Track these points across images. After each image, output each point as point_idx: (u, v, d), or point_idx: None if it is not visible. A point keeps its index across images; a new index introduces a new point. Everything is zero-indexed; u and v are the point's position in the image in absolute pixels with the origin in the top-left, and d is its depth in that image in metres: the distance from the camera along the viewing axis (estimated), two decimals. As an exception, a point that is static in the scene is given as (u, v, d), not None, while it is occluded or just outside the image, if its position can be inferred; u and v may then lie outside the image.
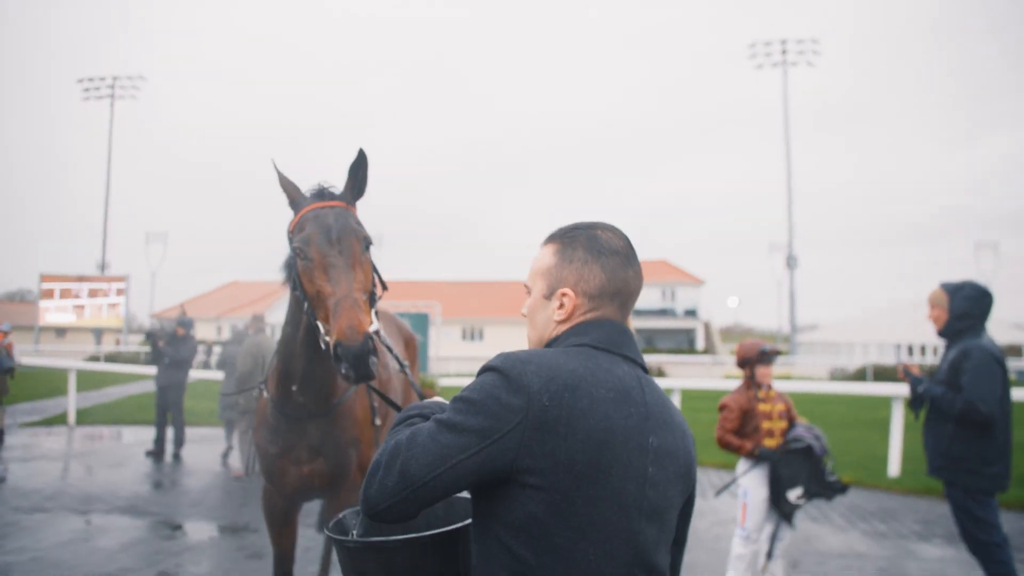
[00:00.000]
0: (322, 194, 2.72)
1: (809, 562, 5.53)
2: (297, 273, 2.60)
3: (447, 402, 1.65)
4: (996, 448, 3.86)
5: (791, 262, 41.96)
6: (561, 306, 1.55)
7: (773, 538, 4.65)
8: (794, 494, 4.50)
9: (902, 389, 8.98)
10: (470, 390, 1.42)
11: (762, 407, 4.63)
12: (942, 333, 4.12)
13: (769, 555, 4.65)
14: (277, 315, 37.93)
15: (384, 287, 2.84)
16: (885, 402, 13.16)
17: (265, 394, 3.24)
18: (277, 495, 3.27)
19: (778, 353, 4.81)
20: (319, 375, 3.03)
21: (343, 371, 2.33)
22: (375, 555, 1.64)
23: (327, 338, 2.43)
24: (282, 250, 2.83)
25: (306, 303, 2.59)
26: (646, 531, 1.42)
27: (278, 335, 3.18)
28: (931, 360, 43.27)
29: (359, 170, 2.75)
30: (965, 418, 3.83)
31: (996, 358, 3.87)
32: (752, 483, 4.53)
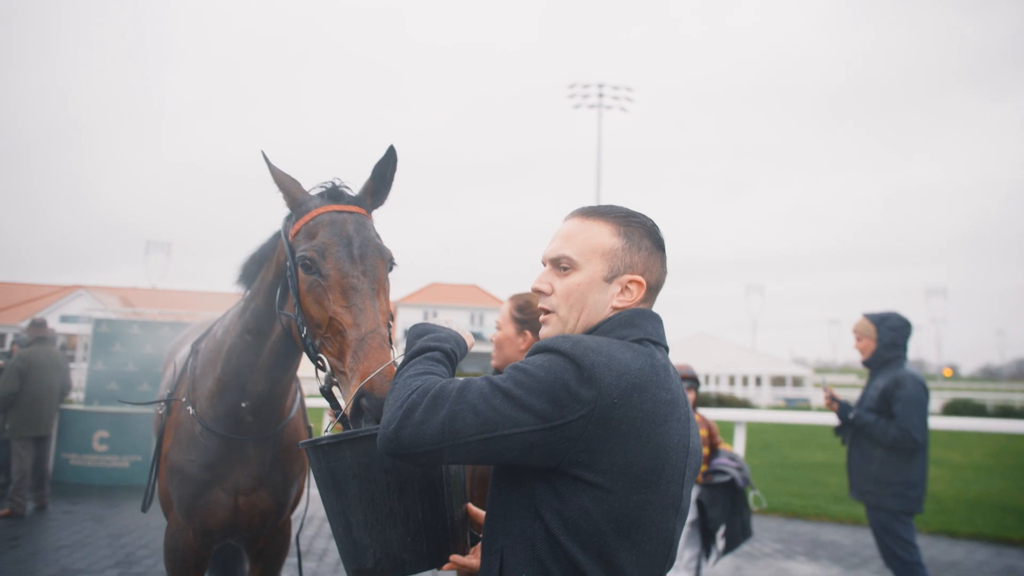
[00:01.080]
0: (337, 194, 2.23)
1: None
2: (297, 287, 2.10)
3: (465, 335, 1.68)
4: (919, 472, 4.13)
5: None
6: (624, 291, 1.50)
7: (698, 567, 4.65)
8: (719, 534, 4.56)
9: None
10: (535, 366, 1.36)
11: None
12: (868, 363, 4.37)
13: (697, 583, 4.65)
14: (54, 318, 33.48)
15: (392, 318, 2.32)
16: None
17: (191, 410, 2.73)
18: (193, 535, 2.73)
19: (696, 381, 4.85)
20: (278, 395, 2.65)
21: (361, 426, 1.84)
22: (352, 450, 1.59)
23: (334, 379, 1.94)
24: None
25: (304, 328, 2.08)
26: (677, 529, 1.44)
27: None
28: (714, 387, 47.29)
29: (386, 171, 2.26)
30: (897, 445, 4.06)
31: (924, 387, 4.16)
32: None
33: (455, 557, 1.66)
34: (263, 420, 2.66)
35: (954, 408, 27.92)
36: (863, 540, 7.09)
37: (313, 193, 2.25)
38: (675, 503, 1.41)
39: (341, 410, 1.88)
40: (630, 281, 1.49)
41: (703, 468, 4.60)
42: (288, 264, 2.16)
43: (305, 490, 2.92)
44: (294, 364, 2.55)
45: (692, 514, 4.52)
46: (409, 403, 1.36)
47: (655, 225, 1.57)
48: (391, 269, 2.18)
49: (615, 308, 1.49)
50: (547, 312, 1.56)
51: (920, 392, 4.13)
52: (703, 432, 4.75)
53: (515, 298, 2.70)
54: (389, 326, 2.05)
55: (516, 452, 1.33)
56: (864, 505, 4.30)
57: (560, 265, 1.54)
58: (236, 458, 2.68)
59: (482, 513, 1.75)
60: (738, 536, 4.58)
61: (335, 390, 1.94)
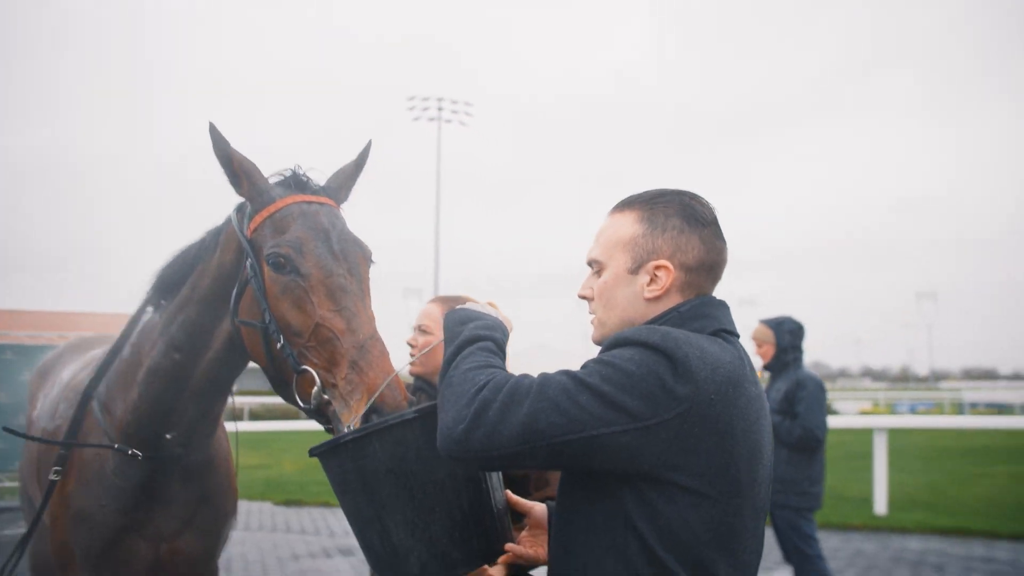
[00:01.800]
0: (301, 183, 1.96)
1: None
2: (260, 291, 1.80)
3: (507, 321, 1.54)
4: (820, 469, 4.36)
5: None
6: (653, 280, 1.38)
7: None
8: None
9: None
10: (623, 359, 1.24)
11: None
12: (769, 367, 4.55)
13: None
14: None
15: None
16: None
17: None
18: None
19: None
20: (211, 421, 2.32)
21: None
22: (382, 442, 1.41)
23: (325, 394, 1.67)
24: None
25: (279, 337, 1.75)
26: (761, 530, 1.37)
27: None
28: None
29: (362, 164, 2.11)
30: (802, 444, 4.24)
31: (822, 387, 4.40)
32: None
33: (511, 547, 1.54)
34: (193, 455, 2.29)
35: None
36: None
37: (279, 182, 1.97)
38: (763, 506, 1.34)
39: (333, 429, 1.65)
40: (656, 267, 1.37)
41: None
42: (249, 263, 1.84)
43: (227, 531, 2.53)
44: (231, 384, 2.26)
45: None
46: (481, 400, 1.23)
47: (691, 200, 1.43)
48: (370, 267, 1.94)
49: (648, 299, 1.38)
50: (592, 316, 1.49)
51: (819, 392, 4.37)
52: None
53: (445, 300, 2.53)
54: None
55: (604, 455, 1.22)
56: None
57: (593, 268, 1.47)
58: (158, 498, 2.27)
59: (520, 500, 1.66)
60: None
61: (329, 408, 1.69)
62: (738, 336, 1.40)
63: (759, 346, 4.56)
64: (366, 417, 1.56)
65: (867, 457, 9.64)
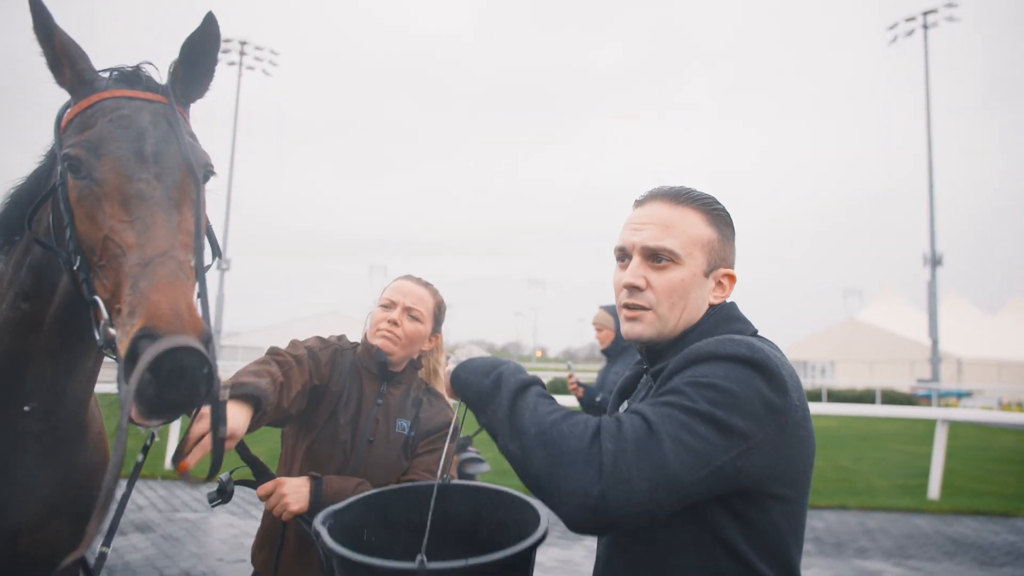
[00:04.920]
0: (132, 77, 1.62)
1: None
2: (64, 200, 1.50)
3: (519, 365, 1.33)
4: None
5: (223, 265, 38.61)
6: (718, 286, 1.40)
7: None
8: None
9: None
10: (720, 378, 1.17)
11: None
12: (607, 351, 4.76)
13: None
14: None
15: (217, 253, 1.73)
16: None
17: None
18: None
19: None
20: (80, 387, 1.87)
21: (144, 393, 1.22)
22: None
23: (112, 329, 1.35)
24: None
25: (77, 258, 1.47)
26: None
27: None
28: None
29: (203, 48, 1.63)
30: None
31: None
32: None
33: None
34: (60, 427, 1.85)
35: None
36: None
37: (104, 74, 1.63)
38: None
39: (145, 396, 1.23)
40: (724, 275, 1.40)
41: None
42: (60, 169, 1.53)
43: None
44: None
45: None
46: (606, 452, 1.07)
47: (726, 210, 1.46)
48: (207, 179, 1.62)
49: (711, 304, 1.39)
50: (639, 309, 1.37)
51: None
52: None
53: (435, 290, 2.35)
54: (200, 252, 1.50)
55: (719, 483, 1.14)
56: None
57: (658, 257, 1.36)
58: (17, 482, 1.84)
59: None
60: None
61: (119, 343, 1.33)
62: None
63: (599, 330, 4.77)
64: (135, 343, 1.22)
65: None
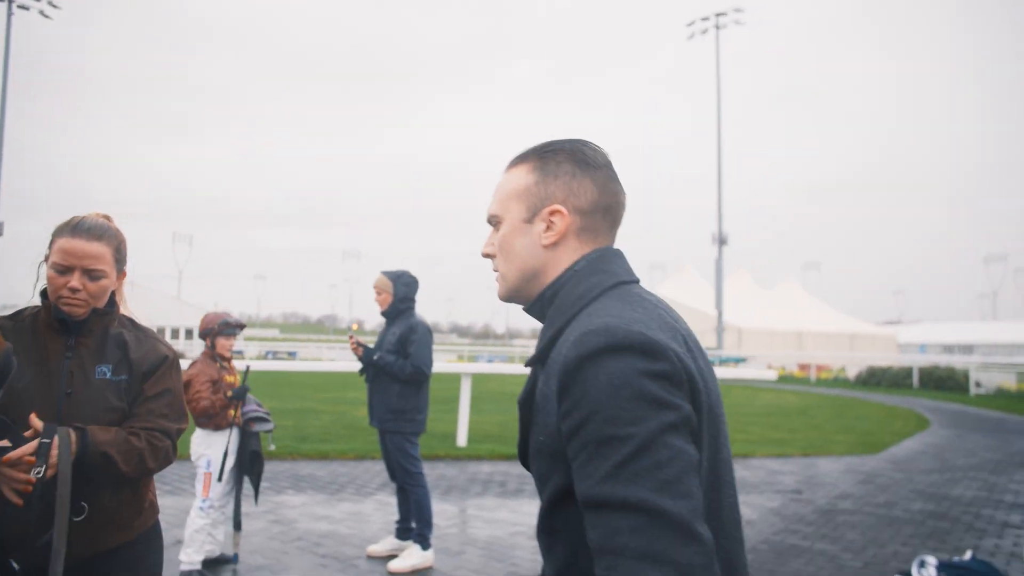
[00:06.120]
0: None
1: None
2: None
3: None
4: (425, 400, 5.11)
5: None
6: (550, 227, 1.34)
7: (238, 508, 4.94)
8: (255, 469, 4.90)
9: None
10: (607, 402, 1.07)
11: (227, 378, 4.87)
12: (386, 313, 5.18)
13: (238, 526, 4.94)
14: None
15: None
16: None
17: None
18: None
19: (243, 326, 5.11)
20: None
21: None
22: None
23: None
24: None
25: None
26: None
27: None
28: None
29: None
30: (412, 378, 4.94)
31: (430, 332, 5.12)
32: (216, 453, 4.74)
33: None
34: None
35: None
36: (336, 471, 8.32)
37: None
38: None
39: None
40: (551, 213, 1.34)
41: (237, 413, 4.83)
42: None
43: None
44: None
45: (231, 458, 4.77)
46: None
47: (582, 145, 1.39)
48: None
49: (545, 247, 1.34)
50: (496, 273, 1.42)
51: (428, 336, 5.10)
52: (232, 379, 4.95)
53: (111, 233, 2.17)
54: None
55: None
56: (379, 431, 5.15)
57: (492, 224, 1.42)
58: None
59: None
60: (256, 477, 4.96)
61: None
62: (637, 281, 1.34)
63: (378, 293, 5.17)
64: None
65: (454, 400, 11.75)
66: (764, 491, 7.79)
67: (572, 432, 1.10)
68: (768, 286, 56.59)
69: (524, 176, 1.38)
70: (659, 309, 1.23)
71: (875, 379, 28.94)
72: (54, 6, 35.71)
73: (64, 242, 2.07)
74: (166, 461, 2.12)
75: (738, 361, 33.54)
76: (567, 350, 1.14)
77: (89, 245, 2.08)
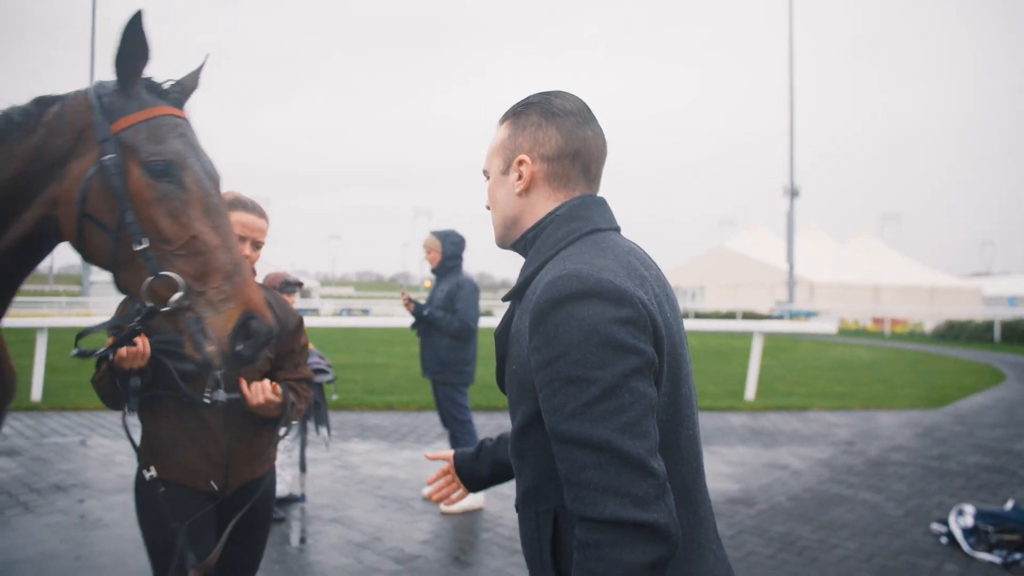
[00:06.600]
0: (166, 94, 1.90)
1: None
2: (120, 188, 1.77)
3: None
4: (473, 353, 5.38)
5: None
6: (520, 176, 1.43)
7: (303, 452, 5.35)
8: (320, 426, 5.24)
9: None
10: (579, 346, 1.17)
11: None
12: (436, 271, 5.45)
13: (303, 468, 5.36)
14: None
15: None
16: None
17: None
18: None
19: (300, 284, 5.42)
20: None
21: (244, 353, 1.73)
22: None
23: (186, 301, 1.74)
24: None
25: (144, 240, 1.77)
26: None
27: None
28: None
29: (197, 84, 1.96)
30: (460, 333, 5.21)
31: (477, 288, 5.37)
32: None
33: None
34: None
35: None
36: (399, 421, 8.70)
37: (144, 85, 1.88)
38: None
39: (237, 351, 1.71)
40: (519, 163, 1.43)
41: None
42: (111, 160, 1.78)
43: None
44: (20, 284, 2.05)
45: None
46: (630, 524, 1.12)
47: (551, 96, 1.46)
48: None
49: (518, 195, 1.43)
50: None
51: (474, 292, 5.35)
52: None
53: (260, 209, 2.53)
54: None
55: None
56: (431, 382, 5.45)
57: (486, 179, 1.54)
58: None
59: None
60: (323, 427, 5.33)
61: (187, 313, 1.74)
62: (618, 229, 1.42)
63: (427, 252, 5.44)
64: (243, 324, 1.71)
65: None
66: (817, 443, 7.84)
67: (541, 366, 1.20)
68: (842, 239, 54.86)
69: (502, 132, 1.48)
70: (631, 256, 1.30)
71: (953, 333, 27.94)
72: None
73: (238, 216, 2.39)
74: (308, 405, 2.53)
75: (808, 315, 32.82)
76: (540, 291, 1.23)
77: (258, 220, 2.46)
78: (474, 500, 5.26)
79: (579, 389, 1.15)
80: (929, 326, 33.12)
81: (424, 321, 5.36)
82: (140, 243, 1.77)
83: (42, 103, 1.89)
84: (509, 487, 5.83)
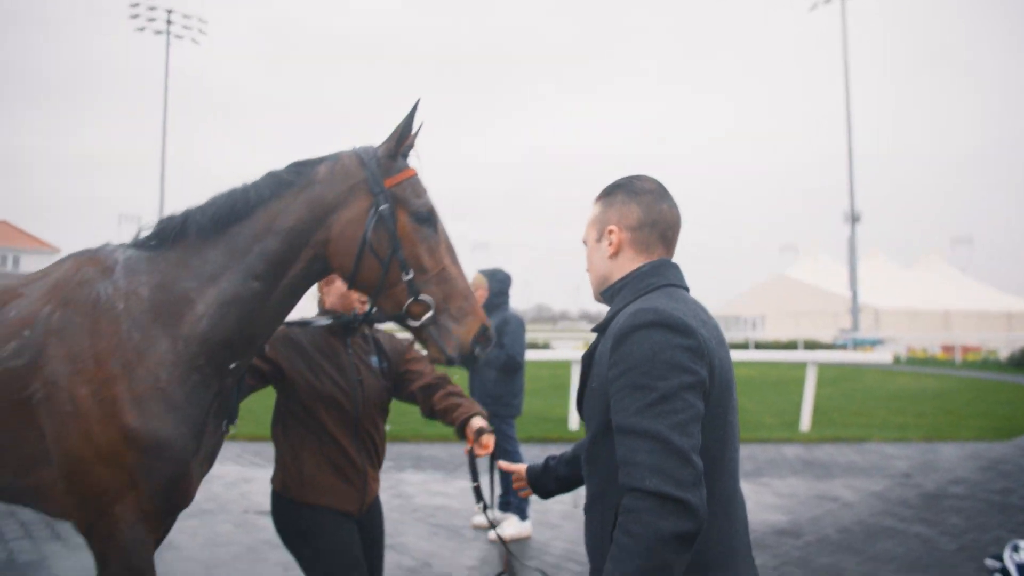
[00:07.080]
0: (407, 155, 2.42)
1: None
2: (396, 232, 2.22)
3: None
4: (520, 386, 5.59)
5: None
6: (610, 243, 1.74)
7: None
8: None
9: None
10: (648, 357, 1.49)
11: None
12: (484, 307, 5.66)
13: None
14: None
15: None
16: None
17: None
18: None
19: None
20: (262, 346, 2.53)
21: (477, 352, 2.25)
22: None
23: (438, 317, 2.23)
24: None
25: (411, 271, 2.21)
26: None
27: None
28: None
29: (408, 136, 2.35)
30: (507, 367, 5.43)
31: (522, 324, 5.59)
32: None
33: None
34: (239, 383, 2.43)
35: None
36: (454, 452, 8.84)
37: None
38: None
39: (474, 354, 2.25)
40: (608, 232, 1.74)
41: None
42: (385, 208, 2.22)
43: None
44: (292, 309, 2.44)
45: None
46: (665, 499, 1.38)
47: (634, 178, 1.79)
48: None
49: (608, 257, 1.75)
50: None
51: (520, 328, 5.59)
52: None
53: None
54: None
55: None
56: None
57: (586, 245, 1.88)
58: (210, 425, 2.31)
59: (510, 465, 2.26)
60: None
61: (432, 325, 2.23)
62: (687, 289, 1.72)
63: (476, 290, 5.66)
64: (484, 332, 2.25)
65: (566, 387, 12.29)
66: (872, 475, 7.73)
67: (616, 377, 1.50)
68: (908, 265, 53.24)
69: (595, 209, 1.82)
70: (696, 307, 1.62)
71: (1030, 361, 26.76)
72: (202, 32, 39.25)
73: None
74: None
75: (873, 343, 31.90)
76: (623, 321, 1.56)
77: None
78: (522, 528, 5.42)
79: (643, 394, 1.45)
80: (1004, 353, 31.78)
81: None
82: (408, 273, 2.23)
83: (305, 165, 2.32)
84: (557, 519, 5.98)
